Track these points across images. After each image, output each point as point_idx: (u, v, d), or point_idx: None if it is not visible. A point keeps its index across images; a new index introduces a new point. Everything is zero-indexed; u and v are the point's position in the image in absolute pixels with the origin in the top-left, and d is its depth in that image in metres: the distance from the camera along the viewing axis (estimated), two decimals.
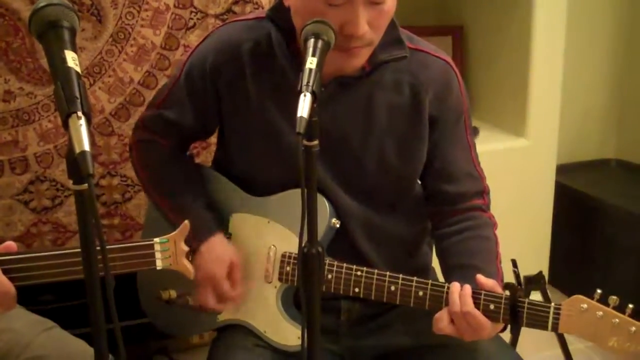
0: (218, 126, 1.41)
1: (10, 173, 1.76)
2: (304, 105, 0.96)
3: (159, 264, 1.16)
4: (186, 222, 1.17)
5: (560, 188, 2.43)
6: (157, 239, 1.14)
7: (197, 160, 1.55)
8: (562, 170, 2.48)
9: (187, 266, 1.18)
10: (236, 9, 1.82)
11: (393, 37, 1.27)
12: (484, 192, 1.40)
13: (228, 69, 1.30)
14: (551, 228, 2.42)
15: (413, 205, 1.39)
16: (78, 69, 0.79)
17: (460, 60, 2.50)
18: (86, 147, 0.73)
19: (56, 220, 1.82)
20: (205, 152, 1.83)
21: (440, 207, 1.37)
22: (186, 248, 1.17)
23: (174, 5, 1.78)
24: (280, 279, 1.32)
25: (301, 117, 0.95)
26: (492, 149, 2.25)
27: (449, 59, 1.35)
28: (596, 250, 2.46)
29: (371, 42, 1.19)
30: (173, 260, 1.17)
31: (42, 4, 0.83)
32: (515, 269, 1.60)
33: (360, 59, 1.20)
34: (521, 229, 2.33)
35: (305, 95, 0.97)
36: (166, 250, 1.16)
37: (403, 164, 1.32)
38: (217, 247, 1.31)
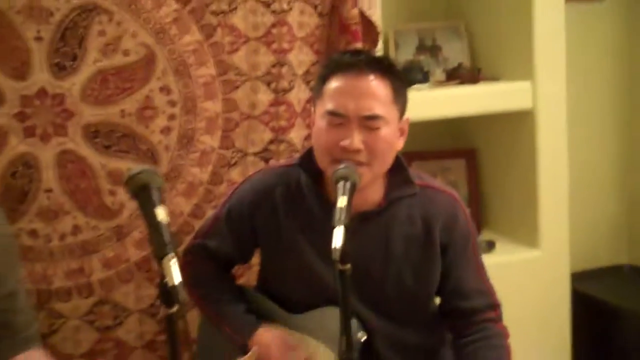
0: (254, 254, 1.69)
1: (77, 297, 2.02)
2: (338, 237, 1.22)
3: None
4: (255, 348, 1.42)
5: (577, 296, 2.62)
6: None
7: (241, 280, 1.81)
8: (577, 278, 2.68)
9: None
10: (272, 147, 2.12)
11: (403, 177, 1.56)
12: (495, 306, 1.63)
13: (263, 210, 1.59)
14: (570, 336, 2.59)
15: (430, 318, 1.63)
16: (166, 221, 1.06)
17: (475, 179, 2.77)
18: (177, 281, 0.99)
19: (117, 338, 2.06)
20: (248, 272, 2.07)
21: (456, 321, 1.61)
22: None
23: (218, 147, 2.08)
24: None
25: (335, 247, 1.21)
26: (507, 261, 2.49)
27: (454, 193, 1.63)
28: (617, 356, 2.61)
29: (369, 163, 1.45)
30: None
31: (135, 172, 1.11)
32: None
33: (362, 179, 1.42)
34: (541, 338, 2.51)
35: (338, 229, 1.24)
36: None
37: (419, 286, 1.58)
38: (267, 335, 1.55)
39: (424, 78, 2.60)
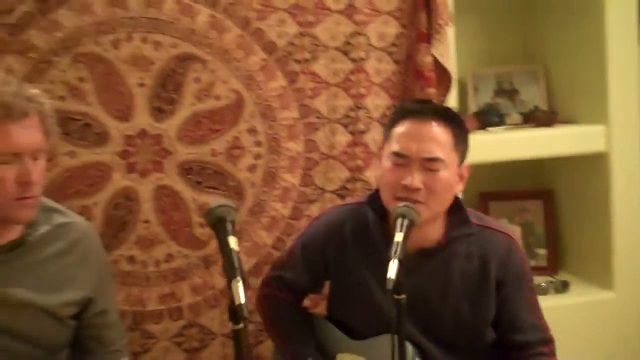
0: (324, 285, 1.84)
1: (168, 319, 2.22)
2: (393, 269, 1.36)
3: None
4: None
5: None
6: None
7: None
8: None
9: None
10: (349, 185, 2.27)
11: (462, 218, 1.68)
12: (548, 341, 1.72)
13: (333, 244, 1.76)
14: None
15: (486, 350, 1.73)
16: (237, 249, 1.23)
17: (552, 220, 2.84)
18: (242, 300, 1.15)
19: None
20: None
21: (510, 353, 1.70)
22: None
23: (299, 184, 2.26)
24: None
25: (390, 278, 1.34)
26: (581, 302, 2.55)
27: (511, 233, 1.74)
28: None
29: (427, 202, 1.59)
30: None
31: (214, 206, 1.29)
32: None
33: (420, 217, 1.54)
34: None
35: (393, 262, 1.37)
36: None
37: (474, 319, 1.69)
38: None
39: (500, 121, 2.71)
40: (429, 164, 1.60)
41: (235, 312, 1.16)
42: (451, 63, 2.32)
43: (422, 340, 1.69)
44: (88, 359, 1.68)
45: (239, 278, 1.18)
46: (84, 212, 2.08)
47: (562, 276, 2.73)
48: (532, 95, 2.82)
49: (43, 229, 1.61)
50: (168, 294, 2.22)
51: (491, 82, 2.86)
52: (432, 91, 2.25)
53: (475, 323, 1.70)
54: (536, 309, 1.75)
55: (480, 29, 2.90)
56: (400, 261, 1.37)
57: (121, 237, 2.16)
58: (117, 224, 2.16)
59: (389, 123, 1.70)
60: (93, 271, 1.67)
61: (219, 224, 1.27)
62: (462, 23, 2.60)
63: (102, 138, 2.13)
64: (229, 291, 1.18)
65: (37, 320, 1.56)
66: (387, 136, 1.69)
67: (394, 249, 1.40)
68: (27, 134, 1.49)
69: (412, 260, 1.63)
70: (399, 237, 1.43)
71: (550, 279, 2.69)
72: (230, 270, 1.19)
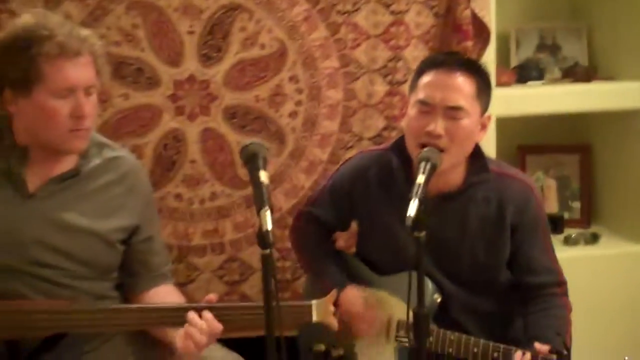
0: (351, 224, 1.97)
1: (211, 254, 2.39)
2: (412, 208, 1.47)
3: (315, 318, 1.69)
4: (334, 290, 1.71)
5: None
6: (314, 301, 1.69)
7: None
8: None
9: (333, 321, 1.70)
10: (384, 133, 2.39)
11: (481, 165, 1.79)
12: (560, 283, 1.84)
13: (359, 187, 1.89)
14: None
15: (501, 290, 1.85)
16: (267, 182, 1.36)
17: (587, 174, 2.90)
18: (269, 227, 1.28)
19: (242, 292, 2.41)
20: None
21: (524, 294, 1.82)
22: (332, 309, 1.70)
23: (338, 131, 2.38)
24: (396, 340, 1.81)
25: (409, 216, 1.46)
26: (610, 254, 2.64)
27: (529, 181, 1.86)
28: None
29: (449, 149, 1.69)
30: (324, 316, 1.70)
31: (248, 143, 1.43)
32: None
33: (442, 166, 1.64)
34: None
35: (414, 201, 1.48)
36: (320, 309, 1.69)
37: (489, 259, 1.81)
38: (352, 294, 1.85)
39: (540, 75, 2.77)
40: (452, 112, 1.70)
41: (263, 238, 1.30)
42: (490, 18, 2.38)
43: (441, 278, 1.81)
44: (135, 282, 1.85)
45: (267, 207, 1.31)
46: (136, 151, 2.24)
47: (594, 229, 2.81)
48: (574, 52, 2.86)
49: (95, 161, 1.77)
50: (211, 230, 2.39)
51: (534, 37, 2.90)
52: (469, 44, 2.32)
53: (490, 263, 1.82)
54: (550, 253, 1.85)
55: None
56: (420, 201, 1.48)
57: (169, 175, 2.33)
58: (166, 163, 2.33)
59: (416, 73, 1.81)
60: (139, 201, 1.83)
61: (251, 160, 1.40)
62: None
63: (153, 82, 2.28)
64: (258, 219, 1.31)
65: (89, 244, 1.73)
66: (413, 86, 1.79)
67: (415, 189, 1.51)
68: (80, 71, 1.63)
69: (433, 204, 1.74)
70: (420, 179, 1.54)
71: (582, 230, 2.77)
72: (259, 201, 1.33)
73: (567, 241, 2.72)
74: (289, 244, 2.30)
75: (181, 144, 2.33)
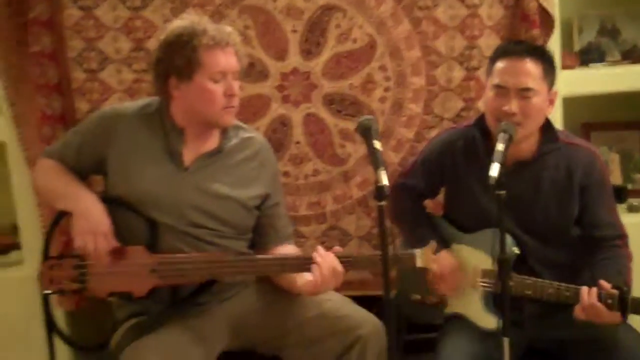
0: (440, 192, 2.37)
1: (315, 223, 2.80)
2: (494, 169, 1.83)
3: (418, 264, 2.05)
4: (432, 241, 2.08)
5: None
6: (417, 250, 2.06)
7: None
8: None
9: (433, 266, 2.08)
10: (463, 114, 2.75)
11: (551, 136, 2.15)
12: (622, 236, 2.18)
13: (447, 158, 2.27)
14: None
15: (571, 243, 2.19)
16: (380, 149, 1.75)
17: None
18: (385, 182, 1.67)
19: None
20: None
21: (591, 246, 2.17)
22: (432, 256, 2.06)
23: (422, 113, 2.75)
24: (481, 286, 2.18)
25: (491, 175, 1.82)
26: None
27: (594, 149, 2.21)
28: None
29: (522, 123, 2.05)
30: (425, 262, 2.06)
31: (363, 118, 1.82)
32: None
33: (517, 135, 2.01)
34: None
35: (495, 164, 1.84)
36: (422, 256, 2.05)
37: (560, 216, 2.17)
38: (444, 256, 2.22)
39: (600, 58, 3.09)
40: (523, 93, 2.05)
41: (380, 191, 1.68)
42: (554, 8, 2.71)
43: (519, 233, 2.17)
44: (264, 241, 2.26)
45: (382, 168, 1.70)
46: None
47: None
48: (632, 35, 3.16)
49: (234, 141, 2.19)
50: (315, 202, 2.80)
51: (595, 22, 3.21)
52: (536, 32, 2.66)
53: (561, 220, 2.17)
54: (613, 211, 2.19)
55: None
56: (500, 164, 1.85)
57: (278, 155, 2.71)
58: (275, 144, 2.71)
59: (491, 61, 2.16)
60: (269, 173, 2.25)
61: (367, 131, 1.80)
62: None
63: (263, 75, 2.70)
64: (375, 176, 1.70)
65: (232, 209, 2.14)
66: (489, 72, 2.15)
67: (496, 155, 1.88)
68: (229, 59, 2.06)
69: (510, 170, 2.11)
70: (500, 147, 1.91)
71: None
72: (375, 163, 1.72)
73: (631, 209, 3.04)
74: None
75: (287, 127, 2.74)
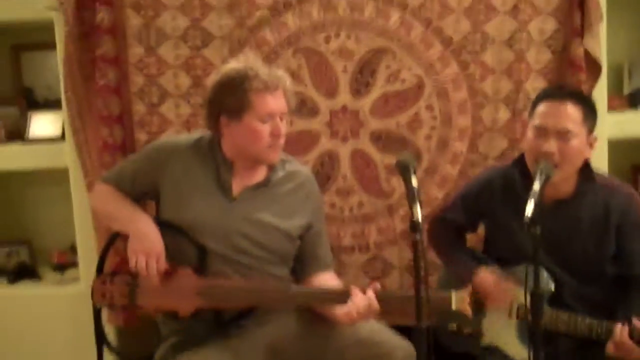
0: (479, 226, 2.43)
1: (358, 253, 2.91)
2: (530, 207, 1.90)
3: (453, 307, 2.09)
4: (470, 286, 2.14)
5: None
6: (453, 292, 2.09)
7: None
8: None
9: (468, 309, 2.10)
10: (507, 153, 2.81)
11: (589, 176, 2.22)
12: None
13: (485, 196, 2.35)
14: None
15: (607, 281, 2.24)
16: (416, 185, 1.84)
17: None
18: (420, 218, 1.76)
19: (384, 285, 2.74)
20: None
21: (627, 284, 2.21)
22: (468, 299, 2.11)
23: (467, 151, 2.84)
24: (517, 317, 2.24)
25: (527, 215, 1.90)
26: None
27: (632, 190, 2.26)
28: None
29: (560, 164, 2.11)
30: (460, 304, 2.10)
31: (402, 156, 1.91)
32: None
33: (554, 174, 2.08)
34: None
35: (530, 202, 1.92)
36: (457, 299, 2.09)
37: (597, 254, 2.22)
38: (485, 273, 2.28)
39: None
40: (563, 135, 2.12)
41: (415, 226, 1.77)
42: (601, 53, 2.77)
43: (556, 271, 2.22)
44: (305, 268, 2.36)
45: (417, 203, 1.79)
46: None
47: None
48: None
49: (280, 174, 2.31)
50: (359, 233, 2.90)
51: None
52: (582, 76, 2.72)
53: (598, 257, 2.22)
54: None
55: (637, 19, 3.30)
56: (535, 203, 1.92)
57: (325, 187, 2.85)
58: (322, 177, 2.85)
59: (534, 103, 2.24)
60: (313, 205, 2.36)
61: (405, 168, 1.89)
62: (620, 15, 3.06)
63: (313, 111, 2.83)
64: (410, 213, 1.79)
65: (276, 237, 2.25)
66: (531, 113, 2.23)
67: (532, 194, 1.95)
68: (278, 102, 2.18)
69: (549, 209, 2.19)
70: (536, 185, 1.98)
71: None
72: (412, 199, 1.81)
73: None
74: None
75: (335, 161, 2.86)
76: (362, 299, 2.07)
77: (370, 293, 2.09)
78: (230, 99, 2.16)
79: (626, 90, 3.26)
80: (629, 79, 3.26)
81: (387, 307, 2.12)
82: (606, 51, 2.85)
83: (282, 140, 2.22)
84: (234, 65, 2.21)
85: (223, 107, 2.18)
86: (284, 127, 2.22)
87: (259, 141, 2.17)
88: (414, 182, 1.86)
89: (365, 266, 2.91)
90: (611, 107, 3.02)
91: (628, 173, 3.31)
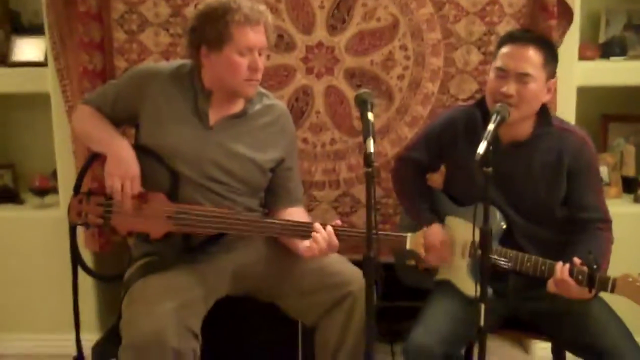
0: (441, 166, 2.53)
1: (328, 189, 3.00)
2: (482, 147, 1.99)
3: (408, 247, 2.26)
4: (425, 228, 2.26)
5: None
6: (409, 234, 2.26)
7: None
8: None
9: (422, 251, 2.27)
10: (477, 95, 2.88)
11: (546, 120, 2.29)
12: (606, 220, 2.32)
13: (448, 135, 2.43)
14: None
15: (557, 222, 2.34)
16: (372, 120, 1.93)
17: None
18: (372, 150, 1.85)
19: (352, 222, 3.00)
20: None
21: (575, 226, 2.31)
22: (422, 241, 2.25)
23: (437, 92, 2.91)
24: (469, 256, 2.35)
25: (478, 153, 1.98)
26: None
27: (585, 135, 2.33)
28: None
29: (517, 106, 2.20)
30: (415, 246, 2.27)
31: (361, 91, 1.99)
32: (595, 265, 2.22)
33: (511, 117, 2.15)
34: None
35: (483, 142, 2.00)
36: (412, 240, 2.26)
37: (548, 196, 2.31)
38: (435, 230, 2.38)
39: (622, 52, 3.18)
40: (522, 77, 2.20)
41: (367, 158, 1.86)
42: (574, 1, 2.83)
43: (508, 210, 2.32)
44: (275, 201, 2.47)
45: (371, 137, 1.88)
46: None
47: None
48: None
49: (257, 107, 2.39)
50: (330, 169, 3.00)
51: (622, 17, 3.30)
52: (553, 23, 2.78)
53: (549, 200, 2.32)
54: (599, 195, 2.32)
55: None
56: (489, 143, 2.00)
57: (299, 122, 2.93)
58: (297, 112, 2.93)
59: (498, 45, 2.30)
60: (287, 139, 2.45)
61: (362, 103, 1.97)
62: None
63: (290, 46, 2.89)
64: (364, 145, 1.88)
65: (248, 168, 2.34)
66: (495, 55, 2.30)
67: (486, 134, 2.03)
68: (257, 36, 2.24)
69: (504, 150, 2.28)
70: (491, 126, 2.06)
71: None
72: (366, 132, 1.90)
73: (637, 199, 3.15)
74: (390, 184, 2.87)
75: (309, 97, 2.94)
76: (322, 234, 2.18)
77: (330, 229, 2.19)
78: (211, 30, 2.22)
79: (602, 39, 3.30)
80: (605, 28, 3.31)
81: (346, 243, 2.24)
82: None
83: (259, 75, 2.29)
84: None
85: (204, 38, 2.24)
86: (262, 62, 2.28)
87: (237, 74, 2.24)
88: (370, 116, 1.94)
89: (335, 202, 3.01)
90: (584, 56, 3.08)
91: (598, 122, 3.39)
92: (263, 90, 2.46)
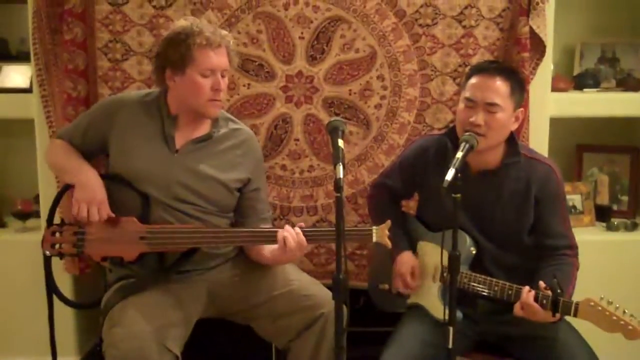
0: (414, 194, 2.62)
1: (306, 214, 3.08)
2: (450, 174, 2.09)
3: (374, 239, 2.34)
4: (389, 221, 2.35)
5: None
6: (374, 227, 2.35)
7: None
8: None
9: (387, 242, 2.34)
10: (451, 125, 2.98)
11: (514, 150, 2.38)
12: (572, 247, 2.41)
13: (420, 163, 2.52)
14: None
15: (525, 248, 2.42)
16: (342, 147, 2.02)
17: (636, 172, 3.42)
18: (341, 176, 1.93)
19: (329, 247, 3.08)
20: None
21: (542, 253, 2.40)
22: (387, 233, 2.33)
23: (413, 122, 3.01)
24: (440, 280, 2.43)
25: (446, 179, 2.08)
26: None
27: (552, 164, 2.43)
28: None
29: (486, 135, 2.29)
30: (380, 238, 2.34)
31: (332, 119, 2.08)
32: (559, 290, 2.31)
33: (479, 146, 2.25)
34: None
35: (451, 170, 2.10)
36: (377, 233, 2.34)
37: (517, 224, 2.40)
38: (406, 258, 2.47)
39: (595, 84, 3.30)
40: (490, 108, 2.29)
41: (336, 184, 1.94)
42: (547, 34, 2.94)
43: (477, 235, 2.41)
44: (244, 221, 2.55)
45: (340, 163, 1.96)
46: (253, 129, 2.92)
47: (638, 220, 3.31)
48: (630, 64, 3.38)
49: (223, 130, 2.50)
50: (308, 195, 3.08)
51: (596, 50, 3.43)
52: (526, 55, 2.89)
53: (517, 227, 2.40)
54: (565, 222, 2.41)
55: (591, 3, 3.47)
56: (457, 170, 2.09)
57: (278, 149, 3.03)
58: (276, 139, 3.03)
59: (466, 76, 2.41)
60: (252, 161, 2.54)
61: (333, 131, 2.06)
62: None
63: (270, 75, 2.99)
64: (334, 171, 1.96)
65: (215, 188, 2.43)
66: (463, 86, 2.40)
67: (454, 161, 2.13)
68: (219, 57, 2.35)
69: (475, 178, 2.37)
70: (459, 154, 2.16)
71: (625, 220, 3.28)
72: (336, 159, 1.98)
73: (610, 228, 3.25)
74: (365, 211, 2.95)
75: (288, 125, 3.03)
76: (291, 233, 2.29)
77: (298, 229, 2.31)
78: (174, 53, 2.33)
79: (576, 71, 3.42)
80: (580, 60, 3.43)
81: (313, 241, 2.42)
82: (559, 33, 3.04)
83: (222, 95, 2.40)
84: (181, 22, 2.39)
85: (168, 61, 2.36)
86: (224, 83, 2.39)
87: (201, 94, 2.35)
88: (340, 143, 2.03)
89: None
90: (557, 87, 3.20)
91: (573, 152, 3.50)
92: (229, 116, 2.58)
